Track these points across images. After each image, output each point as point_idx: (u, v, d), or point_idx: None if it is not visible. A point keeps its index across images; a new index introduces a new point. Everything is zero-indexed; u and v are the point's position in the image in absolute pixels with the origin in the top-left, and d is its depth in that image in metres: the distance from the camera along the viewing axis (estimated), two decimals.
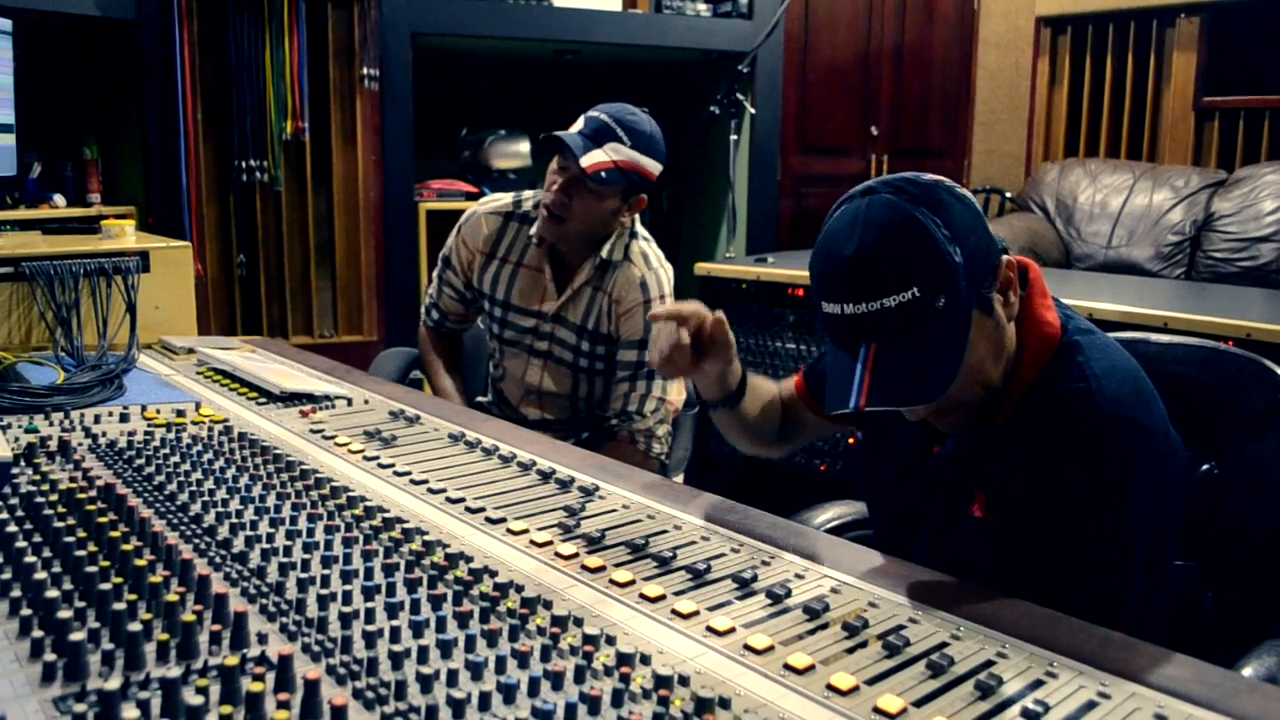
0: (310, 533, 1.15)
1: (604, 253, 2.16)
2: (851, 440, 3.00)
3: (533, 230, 2.20)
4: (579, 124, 2.10)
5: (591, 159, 2.03)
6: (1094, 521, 1.16)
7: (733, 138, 3.75)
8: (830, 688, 0.87)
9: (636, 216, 2.22)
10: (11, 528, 1.09)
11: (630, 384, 2.18)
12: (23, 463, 1.37)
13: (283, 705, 0.78)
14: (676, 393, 2.22)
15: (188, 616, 0.87)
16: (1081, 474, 1.16)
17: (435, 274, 2.39)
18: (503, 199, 2.31)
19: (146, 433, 1.56)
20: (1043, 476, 1.18)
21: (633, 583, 1.07)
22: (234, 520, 1.18)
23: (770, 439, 1.60)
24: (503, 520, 1.25)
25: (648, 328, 2.16)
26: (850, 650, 0.94)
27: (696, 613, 1.01)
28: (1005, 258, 1.21)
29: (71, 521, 1.13)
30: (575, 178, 2.05)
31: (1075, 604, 1.05)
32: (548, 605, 1.00)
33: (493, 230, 2.27)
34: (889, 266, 1.13)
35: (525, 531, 1.21)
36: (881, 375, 1.13)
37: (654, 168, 2.12)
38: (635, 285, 2.16)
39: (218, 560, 1.07)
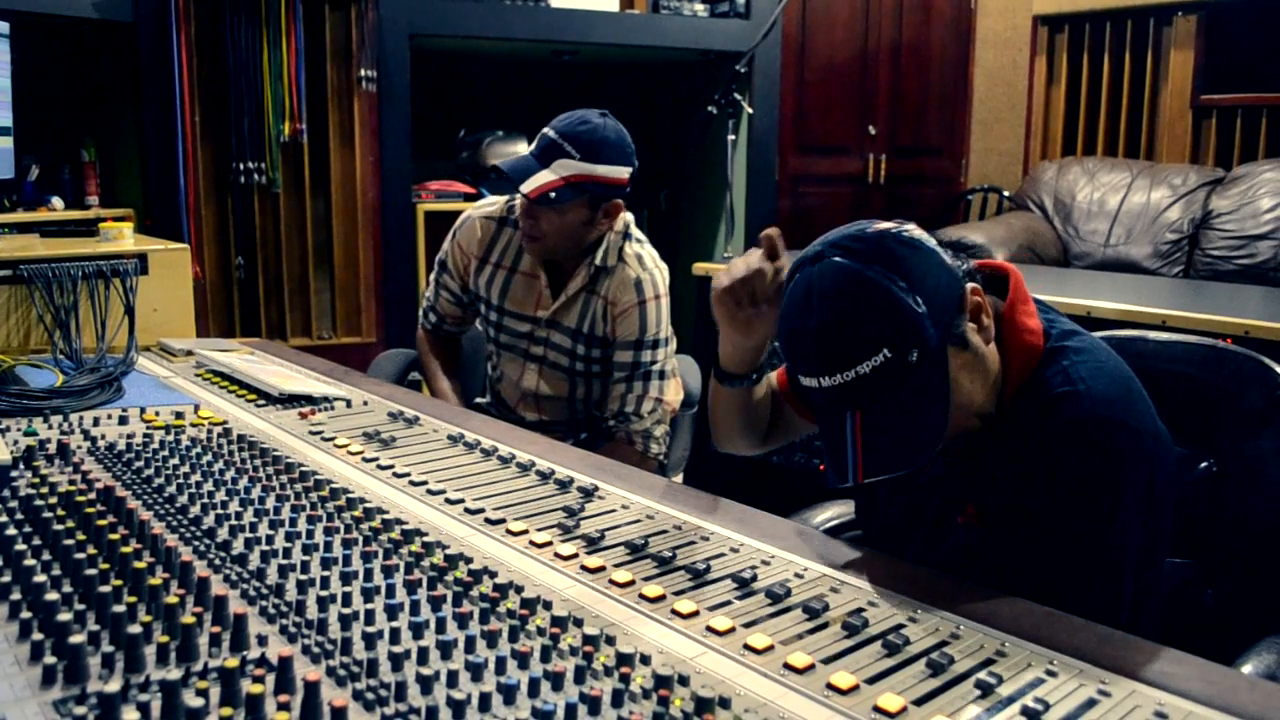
0: (310, 534, 1.15)
1: (598, 259, 2.16)
2: None
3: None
4: (533, 143, 2.10)
5: (535, 182, 2.03)
6: (1085, 525, 1.16)
7: (730, 137, 3.75)
8: (830, 687, 0.87)
9: (631, 218, 2.22)
10: (11, 531, 1.09)
11: (627, 385, 2.18)
12: (22, 465, 1.37)
13: (283, 707, 0.78)
14: (674, 393, 2.23)
15: (188, 619, 0.87)
16: (1071, 477, 1.16)
17: (432, 277, 2.39)
18: (496, 203, 2.31)
19: (145, 435, 1.56)
20: (1033, 482, 1.18)
21: (632, 583, 1.08)
22: (233, 522, 1.18)
23: (759, 434, 1.55)
24: (502, 521, 1.25)
25: (644, 328, 2.16)
26: (850, 649, 0.94)
27: (696, 613, 1.01)
28: (970, 284, 1.19)
29: (71, 524, 1.13)
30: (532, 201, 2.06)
31: (1069, 608, 1.04)
32: (547, 606, 1.00)
33: (487, 235, 2.28)
34: (853, 334, 1.12)
35: (525, 532, 1.21)
36: (872, 443, 1.12)
37: (616, 173, 2.09)
38: (630, 286, 2.16)
39: (217, 562, 1.07)
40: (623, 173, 2.09)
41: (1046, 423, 1.18)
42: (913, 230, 1.18)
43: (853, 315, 1.12)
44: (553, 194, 2.03)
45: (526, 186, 2.02)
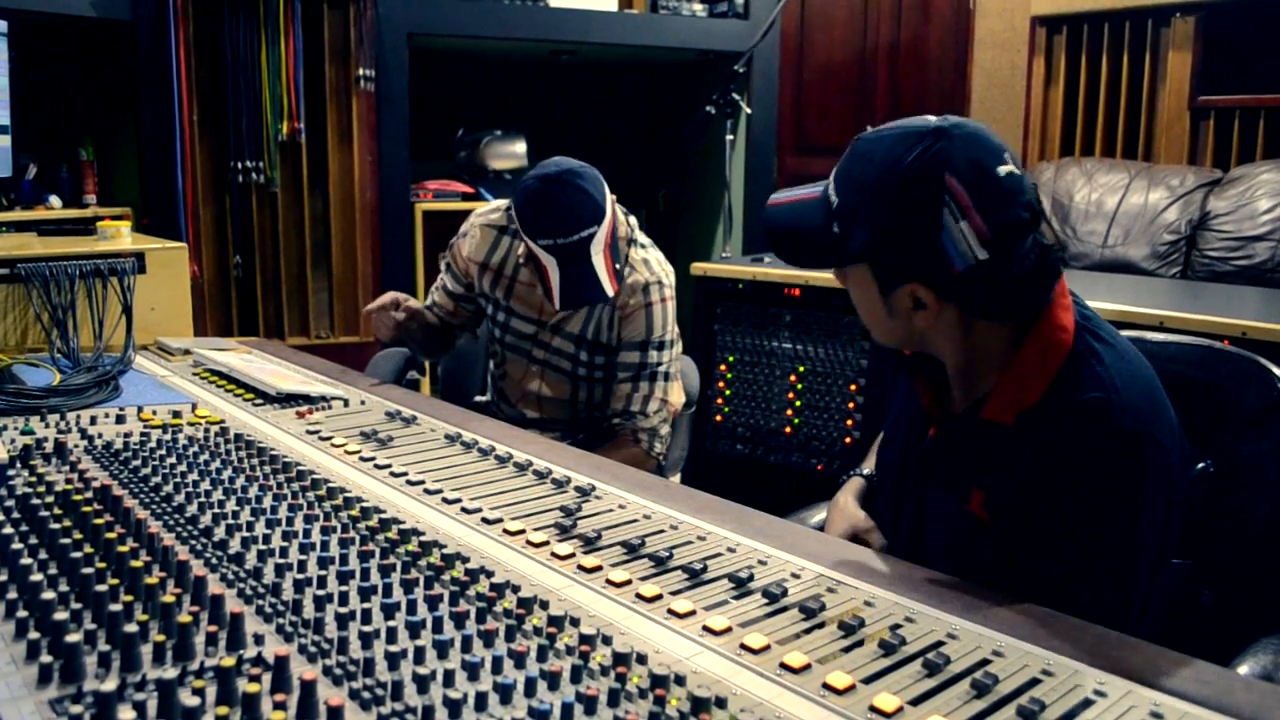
0: (307, 533, 1.15)
1: None
2: (848, 440, 3.01)
3: (520, 250, 2.19)
4: (550, 259, 2.00)
5: (606, 281, 2.01)
6: (1103, 533, 1.15)
7: (729, 138, 3.75)
8: (826, 686, 0.87)
9: (635, 222, 2.23)
10: (7, 530, 1.08)
11: (633, 385, 2.18)
12: (18, 464, 1.37)
13: (279, 706, 0.78)
14: (677, 394, 2.23)
15: (184, 618, 0.87)
16: (1093, 486, 1.15)
17: (441, 270, 2.41)
18: (498, 208, 2.31)
19: (142, 434, 1.56)
20: (1051, 484, 1.17)
21: (629, 582, 1.08)
22: (230, 521, 1.18)
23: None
24: (499, 521, 1.25)
25: (650, 329, 2.17)
26: (846, 649, 0.94)
27: (693, 612, 1.01)
28: (923, 298, 1.19)
29: (67, 523, 1.12)
30: None
31: (1079, 612, 1.04)
32: (544, 605, 1.00)
33: (486, 241, 2.28)
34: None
35: (522, 532, 1.21)
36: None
37: (609, 198, 2.08)
38: (638, 289, 2.16)
39: (214, 561, 1.07)
40: (608, 190, 2.09)
41: (1075, 427, 1.16)
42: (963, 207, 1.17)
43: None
44: (616, 265, 2.05)
45: (609, 289, 2.02)
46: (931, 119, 1.19)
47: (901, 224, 1.16)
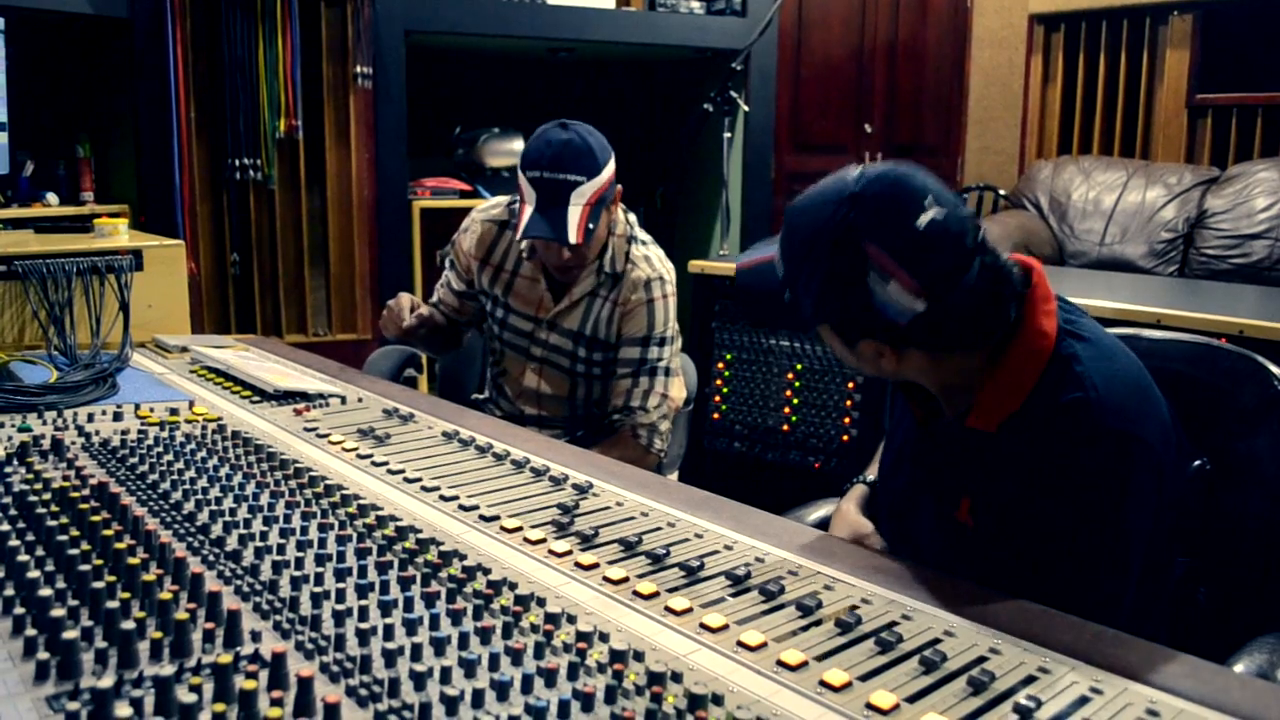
0: (304, 531, 1.15)
1: (606, 265, 2.16)
2: (845, 438, 3.01)
3: (522, 245, 2.20)
4: (531, 193, 2.01)
5: (575, 227, 2.00)
6: (1088, 534, 1.15)
7: (726, 135, 3.75)
8: (823, 684, 0.87)
9: (635, 219, 2.23)
10: (4, 526, 1.08)
11: (633, 380, 2.18)
12: (16, 461, 1.37)
13: (276, 703, 0.78)
14: (678, 390, 2.23)
15: (181, 614, 0.87)
16: (1075, 484, 1.15)
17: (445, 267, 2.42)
18: (499, 204, 2.32)
19: (140, 431, 1.56)
20: (1035, 486, 1.17)
21: (626, 580, 1.08)
22: (227, 518, 1.18)
23: None
24: (496, 518, 1.25)
25: (651, 325, 2.17)
26: (843, 646, 0.94)
27: (690, 609, 1.01)
28: (882, 350, 1.21)
29: (65, 520, 1.12)
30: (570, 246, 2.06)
31: (1068, 610, 1.04)
32: (541, 602, 1.00)
33: (488, 237, 2.28)
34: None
35: (519, 529, 1.21)
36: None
37: (610, 169, 2.08)
38: (640, 286, 2.17)
39: (211, 558, 1.07)
40: (612, 164, 2.09)
41: (1056, 428, 1.16)
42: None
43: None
44: (589, 225, 2.04)
45: (572, 237, 2.00)
46: (850, 177, 1.17)
47: (835, 292, 1.18)
